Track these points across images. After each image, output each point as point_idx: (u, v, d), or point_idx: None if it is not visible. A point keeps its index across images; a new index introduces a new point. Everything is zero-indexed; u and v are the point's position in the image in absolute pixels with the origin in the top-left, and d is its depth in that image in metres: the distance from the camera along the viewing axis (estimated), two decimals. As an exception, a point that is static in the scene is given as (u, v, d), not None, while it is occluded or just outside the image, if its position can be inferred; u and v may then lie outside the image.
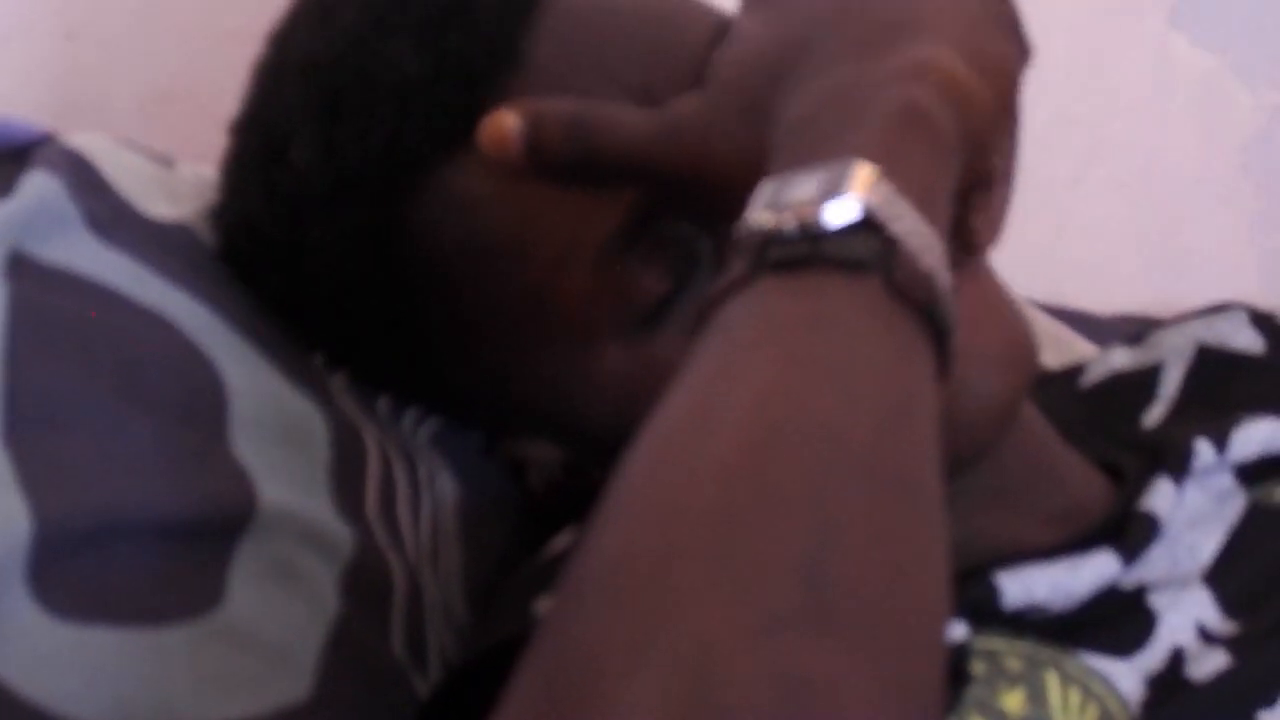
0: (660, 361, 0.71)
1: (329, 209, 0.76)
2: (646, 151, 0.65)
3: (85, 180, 0.81)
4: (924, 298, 0.52)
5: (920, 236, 0.53)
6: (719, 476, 0.47)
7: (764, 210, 0.54)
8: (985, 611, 0.70)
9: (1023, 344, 0.74)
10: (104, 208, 0.80)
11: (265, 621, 0.71)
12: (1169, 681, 0.70)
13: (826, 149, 0.56)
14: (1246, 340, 0.89)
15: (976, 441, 0.73)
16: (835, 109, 0.58)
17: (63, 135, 0.86)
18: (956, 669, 0.68)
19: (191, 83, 1.09)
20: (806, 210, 0.53)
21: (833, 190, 0.53)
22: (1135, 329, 0.94)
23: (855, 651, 0.44)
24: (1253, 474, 0.79)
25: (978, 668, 0.68)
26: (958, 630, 0.68)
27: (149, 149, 0.89)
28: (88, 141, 0.85)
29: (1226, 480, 0.78)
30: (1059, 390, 0.90)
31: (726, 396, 0.50)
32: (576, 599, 0.47)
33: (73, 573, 0.67)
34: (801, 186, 0.54)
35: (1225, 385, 0.86)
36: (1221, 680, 0.70)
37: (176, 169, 0.89)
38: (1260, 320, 0.90)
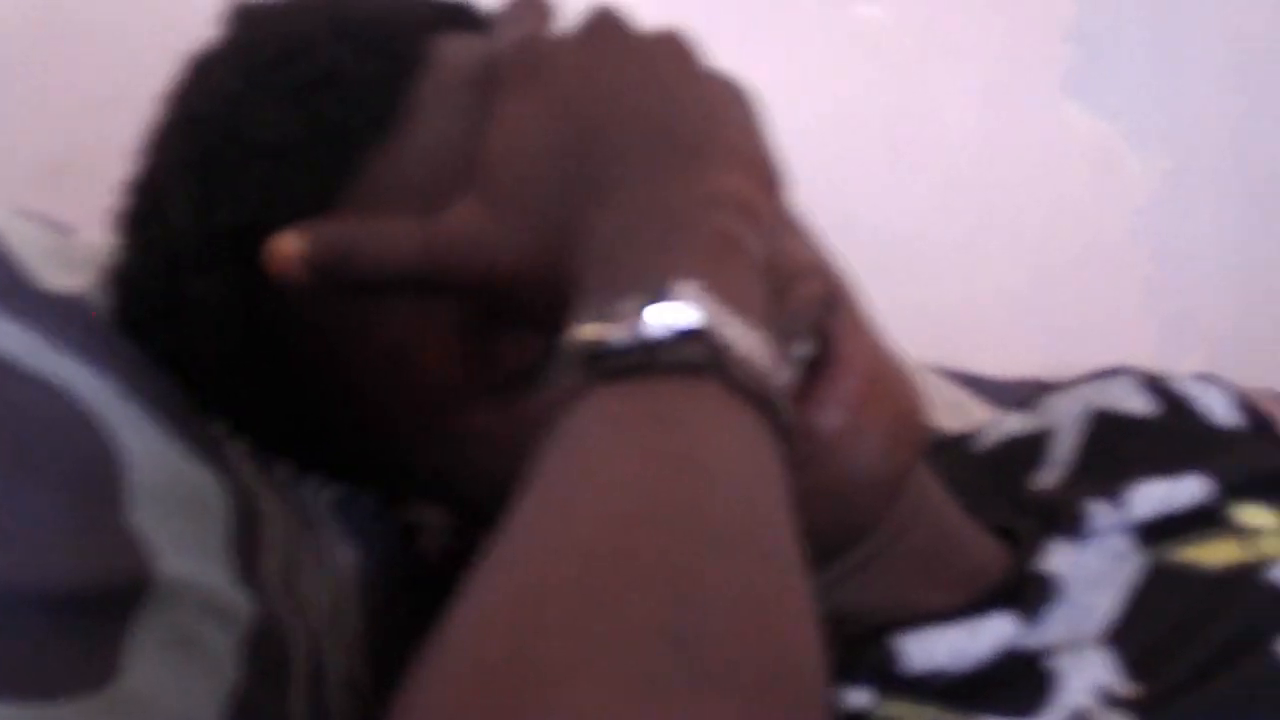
0: (530, 422, 0.71)
1: (203, 266, 0.77)
2: (421, 267, 0.67)
3: (-20, 250, 0.80)
4: (761, 394, 0.55)
5: (749, 339, 0.56)
6: (579, 557, 0.49)
7: (590, 323, 0.56)
8: (888, 678, 0.70)
9: (910, 420, 0.75)
10: (-1, 278, 0.79)
11: (163, 693, 0.70)
12: None
13: (647, 268, 0.59)
14: (1139, 404, 0.90)
15: (864, 516, 0.74)
16: (651, 231, 0.61)
17: (-42, 205, 0.85)
18: None
19: (88, 151, 1.09)
20: (636, 322, 0.55)
21: (660, 303, 0.56)
22: (1029, 394, 0.95)
23: (730, 700, 0.45)
24: (1154, 534, 0.80)
25: None
26: (861, 698, 0.69)
27: (47, 218, 0.89)
28: (-16, 211, 0.84)
29: (1122, 541, 0.79)
30: (954, 455, 0.91)
31: (582, 488, 0.52)
32: (436, 679, 0.47)
33: (-35, 646, 0.66)
34: (627, 301, 0.56)
35: (1120, 449, 0.87)
36: None
37: (74, 237, 0.88)
38: (1151, 383, 0.91)
